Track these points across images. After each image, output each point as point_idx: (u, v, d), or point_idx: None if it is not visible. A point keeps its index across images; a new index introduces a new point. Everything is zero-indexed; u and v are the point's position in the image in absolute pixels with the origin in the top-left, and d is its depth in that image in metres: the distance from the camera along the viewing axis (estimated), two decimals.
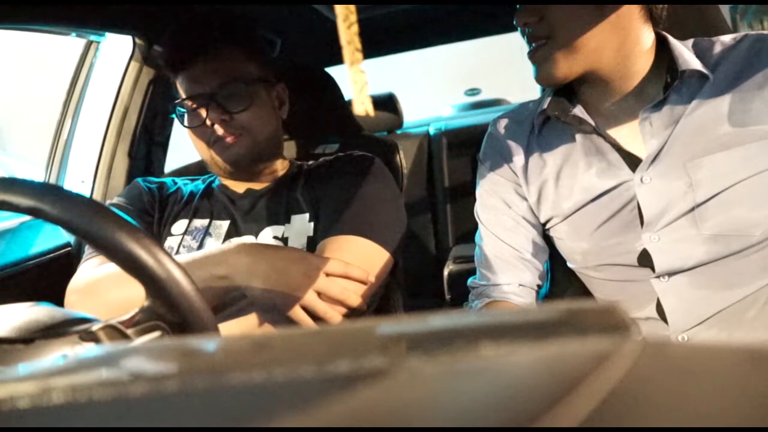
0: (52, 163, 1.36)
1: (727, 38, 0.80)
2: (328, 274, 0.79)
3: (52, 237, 1.21)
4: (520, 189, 0.88)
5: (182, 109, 0.96)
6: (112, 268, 0.83)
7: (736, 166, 0.73)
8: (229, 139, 0.94)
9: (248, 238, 0.93)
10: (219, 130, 0.93)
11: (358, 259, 0.83)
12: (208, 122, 0.93)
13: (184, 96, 0.96)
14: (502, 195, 0.89)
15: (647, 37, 0.79)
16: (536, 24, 0.77)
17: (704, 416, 0.15)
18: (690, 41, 0.81)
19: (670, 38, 0.80)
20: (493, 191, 0.90)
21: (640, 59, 0.78)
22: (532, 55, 0.80)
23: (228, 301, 0.81)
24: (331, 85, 1.27)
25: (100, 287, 0.80)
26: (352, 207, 0.90)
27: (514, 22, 0.80)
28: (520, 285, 0.87)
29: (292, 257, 0.80)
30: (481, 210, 0.92)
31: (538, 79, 0.80)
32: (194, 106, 0.95)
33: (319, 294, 0.78)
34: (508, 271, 0.87)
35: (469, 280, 0.92)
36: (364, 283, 0.82)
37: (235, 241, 0.93)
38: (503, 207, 0.89)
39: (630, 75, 0.79)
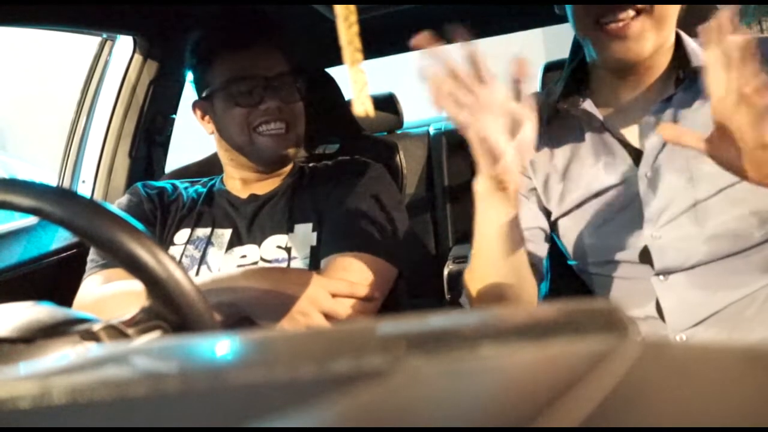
0: (66, 162, 1.35)
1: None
2: (334, 295, 0.79)
3: (62, 237, 1.21)
4: (529, 170, 0.86)
5: (232, 88, 0.94)
6: (118, 287, 0.83)
7: None
8: (279, 126, 0.95)
9: (251, 248, 0.93)
10: (272, 115, 0.94)
11: (363, 276, 0.84)
12: (263, 106, 0.93)
13: (229, 76, 0.95)
14: None
15: (674, 32, 0.79)
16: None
17: (704, 416, 0.15)
18: (698, 39, 0.81)
19: (683, 35, 0.80)
20: None
21: (666, 53, 0.79)
22: (621, 30, 0.74)
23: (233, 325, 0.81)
24: (331, 85, 1.27)
25: (108, 307, 0.80)
26: (356, 221, 0.91)
27: (576, 11, 0.78)
28: None
29: (299, 280, 0.81)
30: None
31: (622, 56, 0.75)
32: (249, 86, 0.94)
33: (326, 315, 0.79)
34: None
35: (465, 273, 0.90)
36: (369, 300, 0.82)
37: (238, 251, 0.93)
38: None
39: (652, 68, 0.79)
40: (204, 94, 0.99)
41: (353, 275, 0.83)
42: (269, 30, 0.97)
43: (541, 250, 0.86)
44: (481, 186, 0.68)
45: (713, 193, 0.74)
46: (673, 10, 0.75)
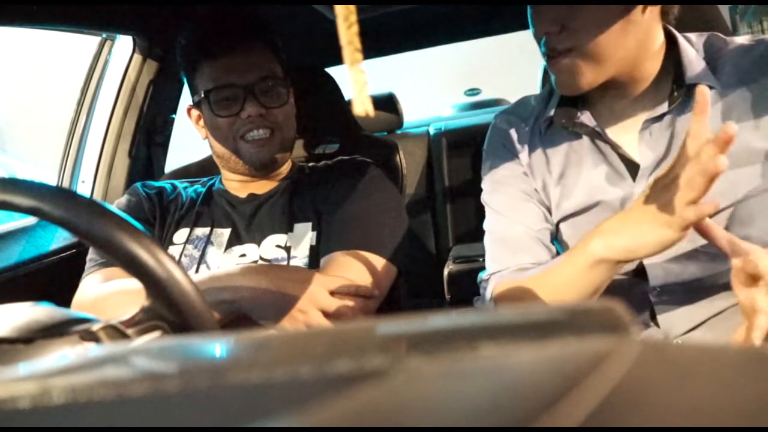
0: (66, 162, 1.35)
1: (743, 41, 0.77)
2: (332, 293, 0.79)
3: (61, 237, 1.21)
4: (528, 173, 0.86)
5: (211, 98, 0.94)
6: (117, 285, 0.83)
7: (738, 185, 0.71)
8: (262, 133, 0.94)
9: (250, 247, 0.93)
10: (255, 122, 0.93)
11: (363, 274, 0.84)
12: (243, 114, 0.92)
13: (210, 86, 0.94)
14: (512, 176, 0.86)
15: (659, 36, 0.76)
16: (557, 35, 0.72)
17: (704, 416, 0.15)
18: (704, 37, 0.78)
19: (681, 39, 0.77)
20: (503, 175, 0.87)
21: (652, 61, 0.76)
22: (553, 65, 0.74)
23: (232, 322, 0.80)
24: (331, 85, 1.27)
25: (107, 306, 0.80)
26: (356, 219, 0.90)
27: (533, 32, 0.76)
28: (538, 264, 0.83)
29: (297, 278, 0.80)
30: (489, 195, 0.87)
31: (561, 89, 0.76)
32: (229, 95, 0.93)
33: (324, 312, 0.78)
34: (524, 252, 0.83)
35: (480, 275, 0.88)
36: (369, 297, 0.82)
37: (237, 250, 0.93)
38: (513, 186, 0.85)
39: (640, 78, 0.76)
40: (193, 101, 1.00)
41: (352, 272, 0.83)
42: (253, 33, 0.96)
43: (552, 250, 0.85)
44: (602, 252, 0.66)
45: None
46: (612, 49, 0.71)
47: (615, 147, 0.78)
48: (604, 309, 0.22)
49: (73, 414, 0.20)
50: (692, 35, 0.79)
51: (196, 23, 0.99)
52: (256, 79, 0.93)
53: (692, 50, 0.76)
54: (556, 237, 0.87)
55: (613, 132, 0.79)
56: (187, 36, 0.98)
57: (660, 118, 0.75)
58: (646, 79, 0.77)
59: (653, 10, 0.73)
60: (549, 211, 0.86)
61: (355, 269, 0.84)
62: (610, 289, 0.82)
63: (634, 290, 0.79)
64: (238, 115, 0.93)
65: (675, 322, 0.77)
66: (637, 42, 0.72)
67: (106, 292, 0.83)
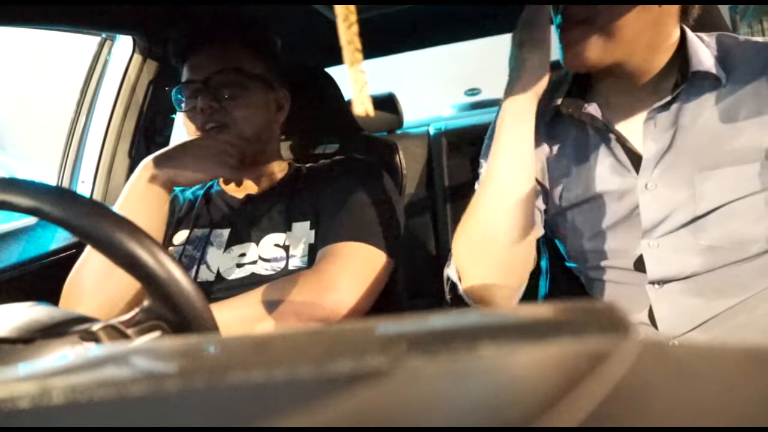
0: (65, 162, 1.35)
1: (758, 40, 0.77)
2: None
3: (60, 237, 1.21)
4: None
5: (180, 96, 0.98)
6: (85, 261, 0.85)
7: (744, 181, 0.72)
8: (211, 126, 0.93)
9: (249, 246, 0.93)
10: (206, 115, 0.92)
11: (358, 265, 0.83)
12: (197, 107, 0.92)
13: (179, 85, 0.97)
14: None
15: (675, 33, 0.76)
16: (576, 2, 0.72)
17: (703, 416, 0.15)
18: (714, 35, 0.79)
19: (689, 34, 0.77)
20: None
21: (663, 54, 0.76)
22: (564, 37, 0.74)
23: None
24: (331, 85, 1.26)
25: (85, 265, 0.83)
26: (352, 213, 0.90)
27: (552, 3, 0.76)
28: None
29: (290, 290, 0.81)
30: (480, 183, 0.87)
31: (567, 61, 0.75)
32: (188, 91, 0.95)
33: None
34: None
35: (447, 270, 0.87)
36: (366, 288, 0.83)
37: (237, 250, 0.93)
38: None
39: (648, 69, 0.77)
40: None
41: (348, 264, 0.83)
42: (228, 32, 0.96)
43: (538, 229, 0.83)
44: (521, 100, 0.72)
45: (713, 208, 0.73)
46: (625, 28, 0.71)
47: (621, 139, 0.78)
48: (604, 309, 0.22)
49: (73, 414, 0.20)
50: (703, 34, 0.80)
51: (178, 26, 1.00)
52: (212, 72, 0.93)
53: (701, 44, 0.77)
54: (554, 229, 0.87)
55: (619, 124, 0.79)
56: (171, 40, 1.00)
57: (664, 107, 0.76)
58: (653, 71, 0.77)
59: (675, 8, 0.74)
60: (545, 197, 0.85)
61: (350, 260, 0.84)
62: (611, 284, 0.82)
63: (634, 286, 0.79)
64: (195, 110, 0.93)
65: (673, 323, 0.77)
66: (650, 29, 0.73)
67: (84, 256, 0.85)
